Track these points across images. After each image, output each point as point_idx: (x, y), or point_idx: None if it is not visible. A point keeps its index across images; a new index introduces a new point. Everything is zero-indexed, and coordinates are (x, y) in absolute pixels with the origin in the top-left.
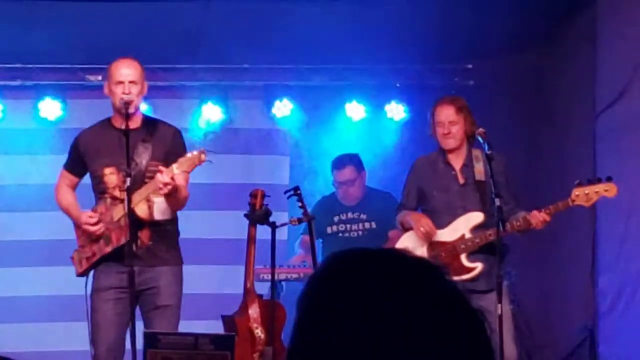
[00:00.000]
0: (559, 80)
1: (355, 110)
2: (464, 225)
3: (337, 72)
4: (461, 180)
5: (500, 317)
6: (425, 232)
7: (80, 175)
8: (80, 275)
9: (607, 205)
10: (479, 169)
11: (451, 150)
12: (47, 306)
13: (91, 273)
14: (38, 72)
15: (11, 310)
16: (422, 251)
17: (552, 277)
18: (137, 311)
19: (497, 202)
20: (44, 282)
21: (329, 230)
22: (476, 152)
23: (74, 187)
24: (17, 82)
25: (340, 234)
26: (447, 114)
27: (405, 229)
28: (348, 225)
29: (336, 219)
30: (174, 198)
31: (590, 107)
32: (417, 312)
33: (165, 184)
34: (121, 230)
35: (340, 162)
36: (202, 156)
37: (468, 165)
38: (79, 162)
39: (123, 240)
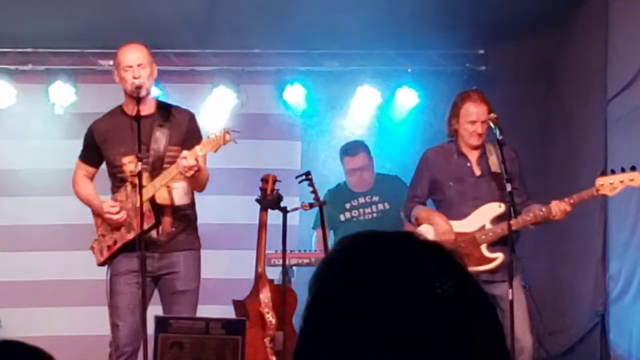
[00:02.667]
0: (570, 66)
1: (367, 95)
2: (484, 216)
3: (349, 57)
4: (477, 172)
5: (512, 302)
6: (446, 239)
7: (97, 166)
8: (101, 264)
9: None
10: (493, 161)
11: (470, 145)
12: (67, 291)
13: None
14: (49, 57)
15: (31, 294)
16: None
17: (563, 263)
18: (156, 296)
19: (509, 187)
20: (61, 266)
21: (341, 217)
22: (488, 146)
23: (91, 177)
24: (29, 67)
25: (355, 219)
26: (479, 112)
27: (419, 224)
28: (361, 210)
29: (348, 205)
30: (197, 180)
31: (602, 93)
32: (428, 295)
33: (190, 167)
34: (144, 215)
35: (353, 149)
36: (227, 136)
37: (483, 157)
38: (94, 152)
39: (145, 226)
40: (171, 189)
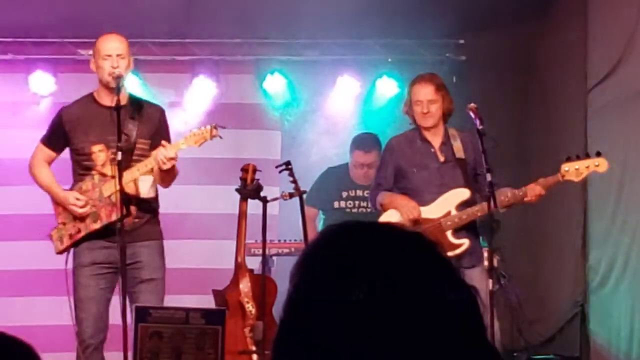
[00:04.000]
0: (551, 55)
1: (347, 84)
2: (450, 202)
3: (329, 47)
4: (441, 158)
5: (492, 292)
6: (413, 218)
7: (60, 151)
8: (60, 252)
9: (598, 181)
10: (458, 147)
11: (428, 129)
12: (25, 281)
13: (71, 249)
14: (29, 46)
15: (10, 284)
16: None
17: (543, 252)
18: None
19: (489, 177)
20: (40, 256)
21: (335, 205)
22: (452, 131)
23: (50, 163)
24: (9, 56)
25: (347, 210)
26: (425, 92)
27: (385, 209)
28: (357, 202)
29: (344, 194)
30: (168, 175)
31: (582, 82)
32: (411, 285)
33: (170, 159)
34: (112, 206)
35: (367, 145)
36: (214, 131)
37: (446, 143)
38: (61, 137)
39: (114, 217)
40: (137, 181)
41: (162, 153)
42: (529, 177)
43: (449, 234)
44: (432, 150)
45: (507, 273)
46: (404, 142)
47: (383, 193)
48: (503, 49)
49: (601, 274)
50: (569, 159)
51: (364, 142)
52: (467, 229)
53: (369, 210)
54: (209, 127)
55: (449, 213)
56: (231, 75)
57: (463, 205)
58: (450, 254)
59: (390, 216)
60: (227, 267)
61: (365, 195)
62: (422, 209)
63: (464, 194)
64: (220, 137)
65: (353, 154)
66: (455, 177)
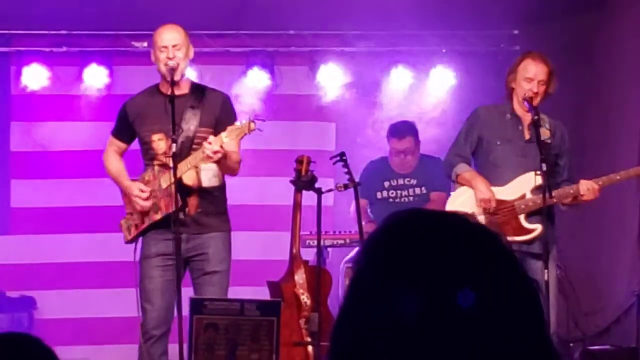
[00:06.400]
0: (606, 47)
1: (401, 76)
2: (525, 185)
3: (383, 38)
4: (527, 136)
5: (547, 282)
6: (486, 207)
7: (128, 142)
8: (129, 242)
9: None
10: (545, 130)
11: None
12: (100, 273)
13: (140, 239)
14: (84, 39)
15: (65, 276)
16: (477, 209)
17: (599, 243)
18: (187, 278)
19: (544, 167)
20: (95, 248)
21: (378, 195)
22: (542, 115)
23: (121, 154)
24: (63, 49)
25: (390, 200)
26: (537, 71)
27: (460, 182)
28: (398, 192)
29: (386, 184)
30: (225, 164)
31: (638, 75)
32: (474, 278)
33: (215, 152)
34: (170, 197)
35: (400, 131)
36: (252, 125)
37: (535, 124)
38: (126, 128)
39: (172, 208)
40: (199, 170)
41: (208, 148)
42: (583, 170)
43: (522, 217)
44: (520, 127)
45: (562, 264)
46: (494, 112)
47: (463, 165)
48: (558, 40)
49: None
50: None
51: (397, 129)
52: (542, 213)
53: (410, 199)
54: (245, 121)
55: (523, 196)
56: (285, 67)
57: (539, 189)
58: (522, 238)
59: (462, 193)
60: (282, 259)
61: (406, 183)
62: (498, 189)
63: (538, 177)
64: (260, 130)
65: (389, 142)
66: (537, 158)
